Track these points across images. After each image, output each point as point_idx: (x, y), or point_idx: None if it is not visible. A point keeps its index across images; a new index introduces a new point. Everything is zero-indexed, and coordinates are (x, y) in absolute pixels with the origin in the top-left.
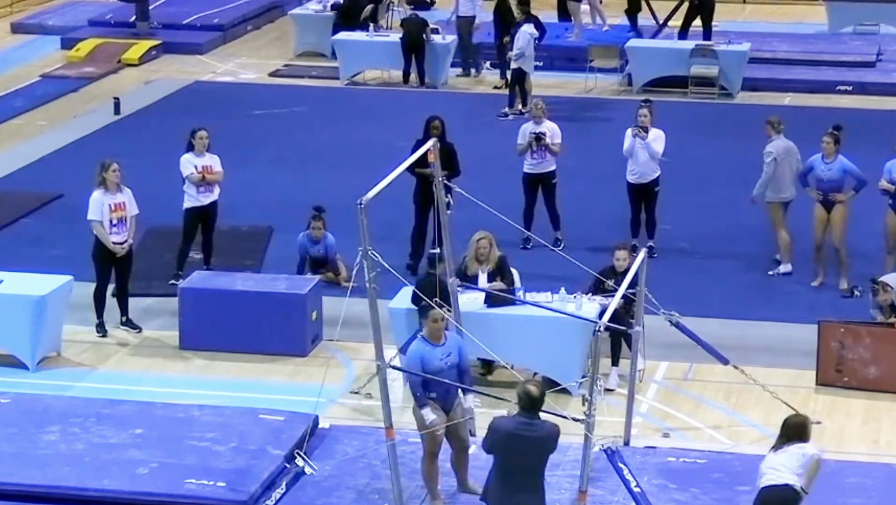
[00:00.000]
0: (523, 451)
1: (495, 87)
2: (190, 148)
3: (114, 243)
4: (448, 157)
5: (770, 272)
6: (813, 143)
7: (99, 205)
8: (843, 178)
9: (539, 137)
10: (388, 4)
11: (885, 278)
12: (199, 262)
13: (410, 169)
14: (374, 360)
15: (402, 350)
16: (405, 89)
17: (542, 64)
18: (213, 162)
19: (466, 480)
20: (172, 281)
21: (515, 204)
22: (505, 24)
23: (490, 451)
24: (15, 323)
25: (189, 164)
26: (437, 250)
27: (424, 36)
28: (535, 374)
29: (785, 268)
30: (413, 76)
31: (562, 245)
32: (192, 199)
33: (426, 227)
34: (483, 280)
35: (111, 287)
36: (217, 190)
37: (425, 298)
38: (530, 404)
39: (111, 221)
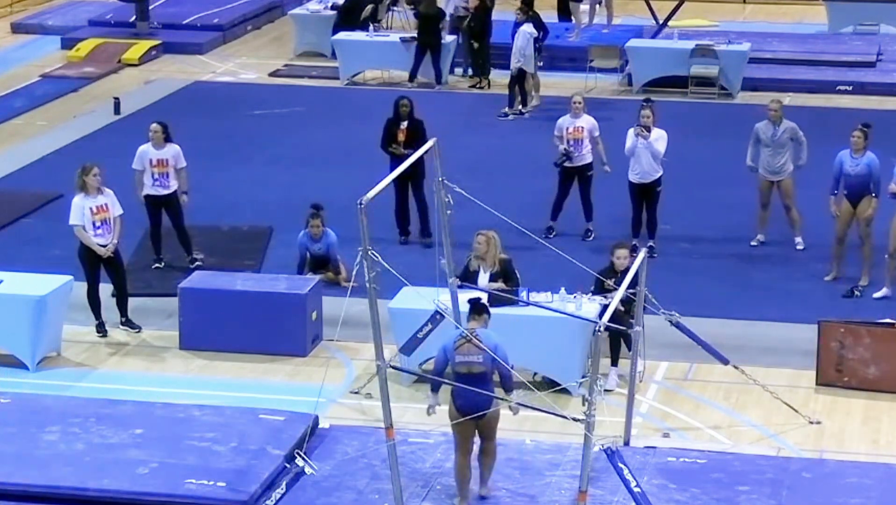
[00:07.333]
0: None
1: (470, 87)
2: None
3: (99, 245)
4: (416, 132)
5: (752, 242)
6: (812, 143)
7: (80, 209)
8: (870, 173)
9: (567, 154)
10: (389, 4)
11: None
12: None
13: (384, 146)
14: (374, 360)
15: (403, 350)
16: (405, 89)
17: (542, 64)
18: (170, 154)
19: (484, 482)
20: (155, 265)
21: (515, 204)
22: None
23: None
24: (15, 323)
25: (145, 157)
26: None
27: (441, 26)
28: (535, 373)
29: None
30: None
31: (592, 236)
32: (148, 187)
33: (407, 203)
34: (484, 279)
35: (111, 288)
36: (175, 183)
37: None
38: None
39: (94, 224)
